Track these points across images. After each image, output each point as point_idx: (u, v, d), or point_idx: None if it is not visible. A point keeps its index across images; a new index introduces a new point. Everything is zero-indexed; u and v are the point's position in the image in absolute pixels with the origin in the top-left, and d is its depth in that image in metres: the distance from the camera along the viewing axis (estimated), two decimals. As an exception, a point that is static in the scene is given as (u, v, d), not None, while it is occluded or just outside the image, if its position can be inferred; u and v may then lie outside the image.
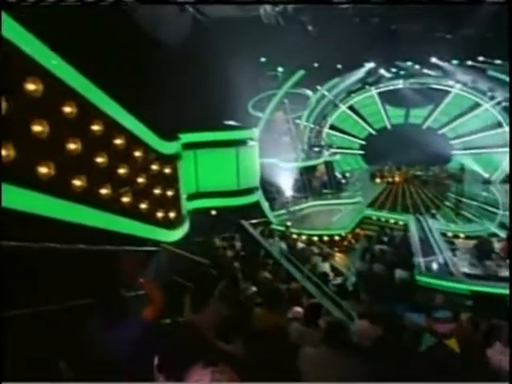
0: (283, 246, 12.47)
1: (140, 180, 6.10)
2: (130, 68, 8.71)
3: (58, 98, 4.14)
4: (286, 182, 17.62)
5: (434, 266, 12.50)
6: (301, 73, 17.75)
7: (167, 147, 7.38)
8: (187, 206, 9.80)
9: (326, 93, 22.84)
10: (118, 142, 5.28)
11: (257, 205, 14.26)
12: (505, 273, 12.31)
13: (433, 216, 18.71)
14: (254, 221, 14.46)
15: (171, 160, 7.61)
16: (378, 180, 24.64)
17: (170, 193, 7.47)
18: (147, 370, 2.70)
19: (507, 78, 21.22)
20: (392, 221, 18.02)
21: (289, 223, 15.05)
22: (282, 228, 14.91)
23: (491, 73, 21.54)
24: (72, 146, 4.27)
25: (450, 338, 3.40)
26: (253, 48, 17.58)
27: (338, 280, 11.57)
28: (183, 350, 2.81)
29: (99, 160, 4.83)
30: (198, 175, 10.75)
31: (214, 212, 12.03)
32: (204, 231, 10.62)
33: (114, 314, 3.21)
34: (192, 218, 9.63)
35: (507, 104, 22.63)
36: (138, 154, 5.89)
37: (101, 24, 6.88)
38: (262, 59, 18.53)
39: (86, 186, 4.46)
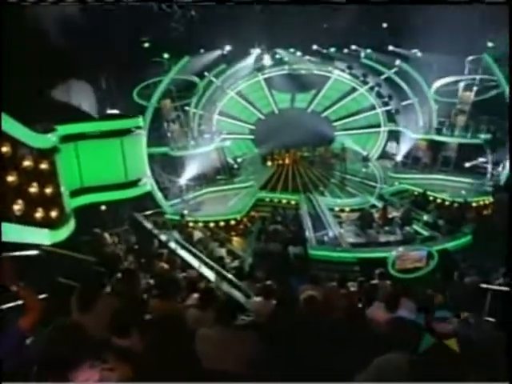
0: (177, 235, 12.33)
1: (10, 178, 5.52)
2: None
3: None
4: (178, 171, 17.36)
5: (325, 239, 13.48)
6: (186, 59, 17.45)
7: (41, 141, 6.78)
8: (72, 203, 9.16)
9: (213, 79, 22.78)
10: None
11: (149, 195, 13.88)
12: (383, 238, 13.82)
13: (321, 193, 20.03)
14: (147, 212, 14.06)
15: (47, 154, 7.00)
16: (269, 163, 25.47)
17: (48, 190, 6.90)
18: (28, 379, 2.52)
19: (377, 65, 23.36)
20: (284, 201, 18.87)
21: (184, 212, 14.89)
22: (177, 217, 14.71)
23: (363, 60, 23.47)
24: None
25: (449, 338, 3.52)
26: (136, 34, 16.82)
27: (236, 262, 11.82)
28: (68, 353, 2.66)
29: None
30: (81, 169, 10.02)
31: (103, 207, 11.42)
32: (93, 228, 10.03)
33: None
34: (78, 215, 9.05)
35: (379, 88, 24.90)
36: (4, 149, 5.31)
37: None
38: (146, 45, 17.79)
39: None
